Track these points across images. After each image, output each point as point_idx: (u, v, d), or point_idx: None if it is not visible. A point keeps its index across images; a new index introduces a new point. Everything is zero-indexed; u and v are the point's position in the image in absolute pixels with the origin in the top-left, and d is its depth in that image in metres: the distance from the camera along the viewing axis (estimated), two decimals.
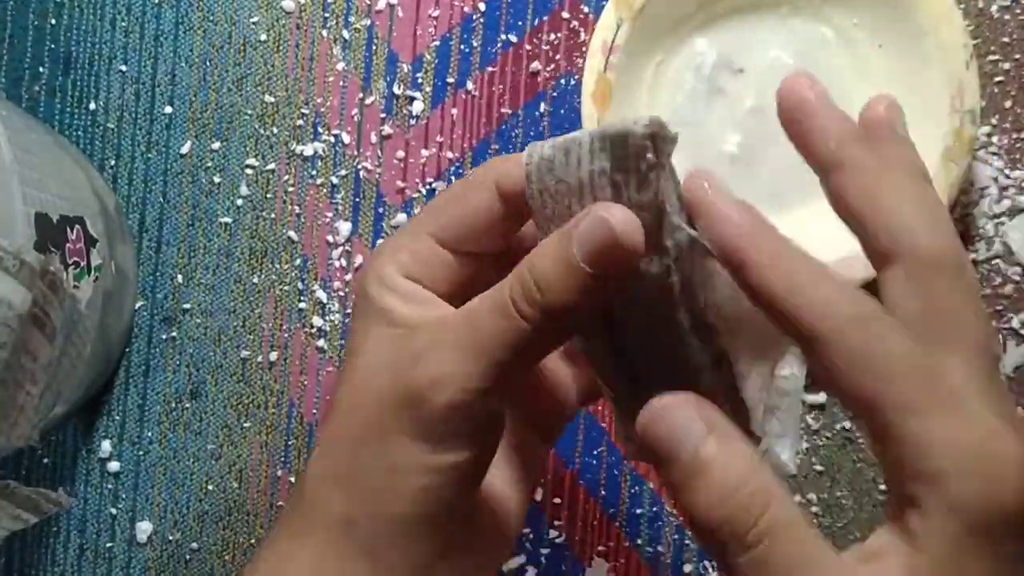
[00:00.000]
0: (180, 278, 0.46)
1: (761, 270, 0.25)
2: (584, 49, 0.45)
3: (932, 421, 0.23)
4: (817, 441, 0.44)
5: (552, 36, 0.45)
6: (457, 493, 0.28)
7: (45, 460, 0.46)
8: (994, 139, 0.44)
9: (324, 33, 0.46)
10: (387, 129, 0.46)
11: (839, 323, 0.24)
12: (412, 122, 0.46)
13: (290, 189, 0.46)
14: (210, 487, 0.46)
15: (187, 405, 0.46)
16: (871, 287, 0.26)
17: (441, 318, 0.28)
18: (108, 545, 0.46)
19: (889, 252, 0.25)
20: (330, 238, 0.46)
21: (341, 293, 0.45)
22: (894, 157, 0.26)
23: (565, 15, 0.45)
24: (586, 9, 0.45)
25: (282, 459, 0.45)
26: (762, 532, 0.23)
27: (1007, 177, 0.44)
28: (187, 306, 0.46)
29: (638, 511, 0.45)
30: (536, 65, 0.45)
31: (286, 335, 0.46)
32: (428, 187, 0.45)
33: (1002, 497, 0.22)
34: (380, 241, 0.29)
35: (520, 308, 0.26)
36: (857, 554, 0.25)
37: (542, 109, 0.45)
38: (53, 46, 0.46)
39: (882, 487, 0.44)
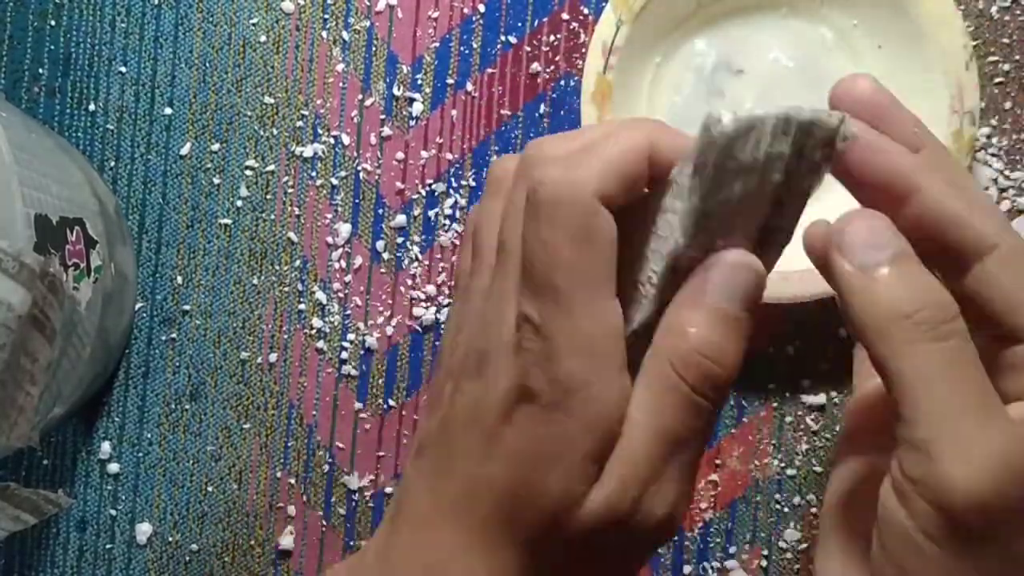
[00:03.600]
0: (180, 279, 0.46)
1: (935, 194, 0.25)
2: (584, 50, 0.45)
3: None
4: (817, 442, 0.44)
5: (552, 37, 0.45)
6: None
7: (45, 461, 0.46)
8: (994, 140, 0.44)
9: (324, 34, 0.46)
10: (387, 130, 0.46)
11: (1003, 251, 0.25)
12: (412, 123, 0.46)
13: (290, 190, 0.46)
14: (210, 488, 0.46)
15: (187, 406, 0.46)
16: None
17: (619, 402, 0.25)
18: (108, 546, 0.46)
19: (979, 248, 0.26)
20: (330, 239, 0.46)
21: (341, 294, 0.45)
22: (940, 155, 0.27)
23: (565, 16, 0.45)
24: (586, 10, 0.45)
25: (282, 460, 0.45)
26: (953, 330, 0.24)
27: (1007, 179, 0.44)
28: (187, 307, 0.46)
29: None
30: (536, 66, 0.45)
31: (286, 336, 0.45)
32: (428, 188, 0.45)
33: None
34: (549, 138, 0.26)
35: (706, 394, 0.24)
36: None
37: (542, 110, 0.45)
38: (53, 47, 0.46)
39: None
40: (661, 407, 0.24)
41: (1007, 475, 0.23)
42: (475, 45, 0.45)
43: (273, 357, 0.46)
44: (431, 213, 0.45)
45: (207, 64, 0.46)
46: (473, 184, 0.45)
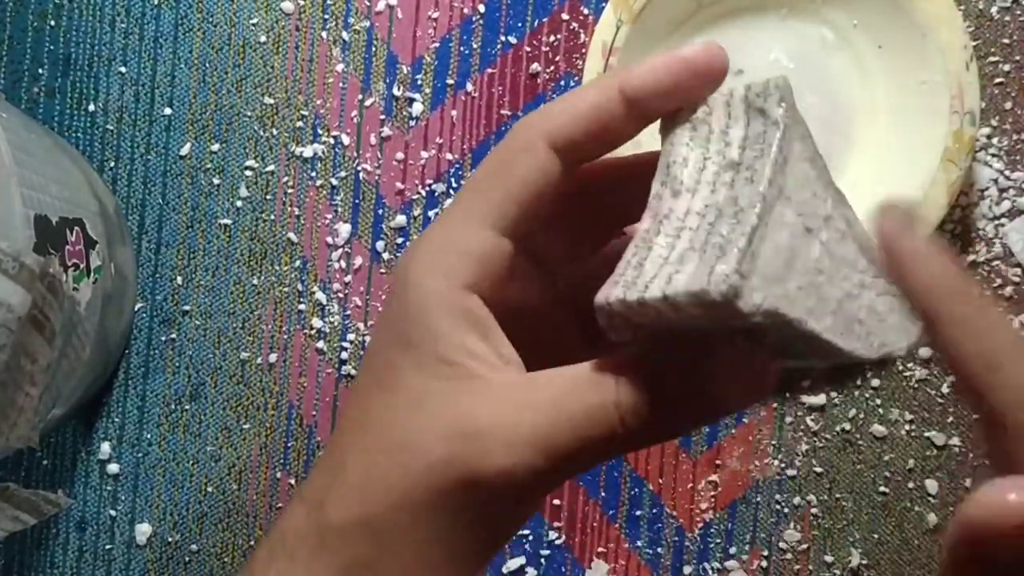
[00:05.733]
0: (179, 280, 0.46)
1: (956, 334, 0.22)
2: (584, 50, 0.45)
3: None
4: (817, 443, 0.44)
5: (552, 38, 0.45)
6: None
7: (44, 462, 0.46)
8: (994, 140, 0.44)
9: (323, 35, 0.46)
10: (386, 131, 0.46)
11: None
12: (411, 124, 0.46)
13: (290, 191, 0.46)
14: (209, 489, 0.46)
15: (186, 407, 0.46)
16: None
17: (511, 386, 0.23)
18: (107, 547, 0.46)
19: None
20: (330, 240, 0.46)
21: (341, 295, 0.45)
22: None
23: (565, 17, 0.45)
24: (586, 11, 0.45)
25: (281, 461, 0.45)
26: None
27: (1007, 179, 0.44)
28: (186, 308, 0.46)
29: (637, 513, 0.45)
30: (536, 66, 0.45)
31: (285, 337, 0.45)
32: (428, 188, 0.45)
33: None
34: (418, 236, 0.23)
35: (628, 421, 0.22)
36: None
37: None
38: (52, 47, 0.46)
39: (882, 488, 0.44)
40: (578, 395, 0.22)
41: None
42: (475, 45, 0.45)
43: (273, 357, 0.45)
44: (431, 213, 0.45)
45: (207, 64, 0.46)
46: None
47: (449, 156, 0.45)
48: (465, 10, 0.45)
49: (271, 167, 0.46)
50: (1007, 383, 0.21)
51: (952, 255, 0.22)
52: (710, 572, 0.45)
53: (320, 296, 0.45)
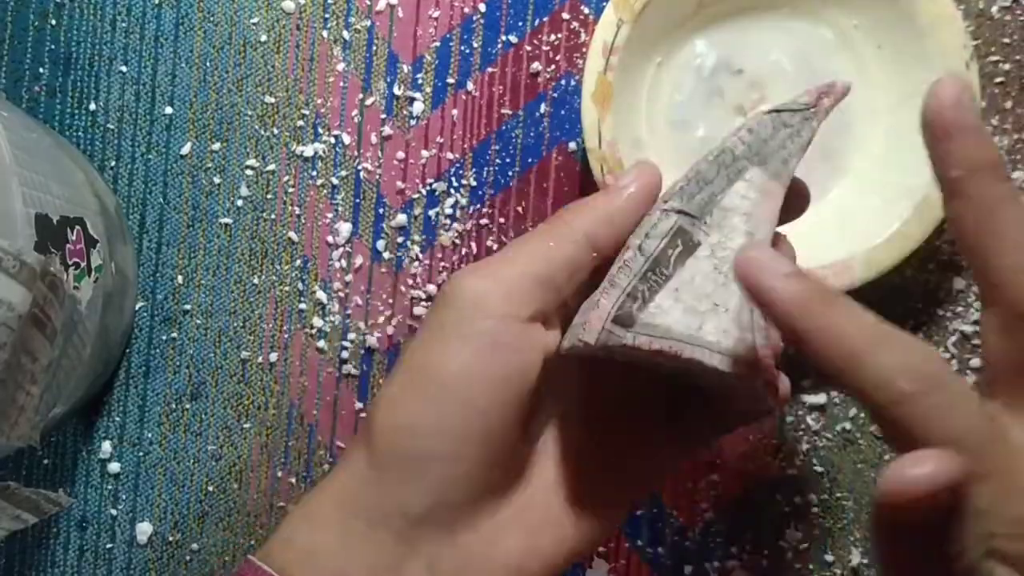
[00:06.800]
0: (180, 279, 0.46)
1: (814, 342, 0.24)
2: (584, 50, 0.45)
3: (991, 489, 0.23)
4: (817, 442, 0.44)
5: (552, 37, 0.45)
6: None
7: (45, 461, 0.46)
8: (994, 140, 0.44)
9: (324, 34, 0.46)
10: (387, 130, 0.46)
11: (896, 398, 0.23)
12: (412, 123, 0.46)
13: (290, 190, 0.46)
14: (210, 488, 0.46)
15: (187, 406, 0.46)
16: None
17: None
18: (108, 546, 0.46)
19: (991, 295, 0.25)
20: (330, 239, 0.46)
21: (341, 294, 0.45)
22: (1008, 194, 0.25)
23: (565, 16, 0.45)
24: (586, 10, 0.45)
25: (282, 460, 0.45)
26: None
27: None
28: (187, 307, 0.46)
29: (638, 512, 0.45)
30: (536, 66, 0.45)
31: (286, 336, 0.45)
32: (428, 188, 0.45)
33: None
34: (474, 266, 0.32)
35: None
36: None
37: (542, 110, 0.45)
38: (53, 47, 0.46)
39: None
40: None
41: None
42: (476, 45, 0.45)
43: (273, 357, 0.46)
44: (432, 213, 0.45)
45: (208, 63, 0.46)
46: (474, 183, 0.45)
47: (450, 155, 0.45)
48: (466, 9, 0.45)
49: (272, 166, 0.46)
50: (867, 372, 0.24)
51: (796, 270, 0.25)
52: (711, 571, 0.45)
53: (321, 295, 0.45)
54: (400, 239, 0.45)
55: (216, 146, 0.46)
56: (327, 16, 0.46)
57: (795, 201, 0.33)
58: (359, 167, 0.46)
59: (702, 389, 0.32)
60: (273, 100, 0.46)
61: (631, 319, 0.29)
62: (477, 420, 0.29)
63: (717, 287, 0.29)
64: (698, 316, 0.29)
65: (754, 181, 0.30)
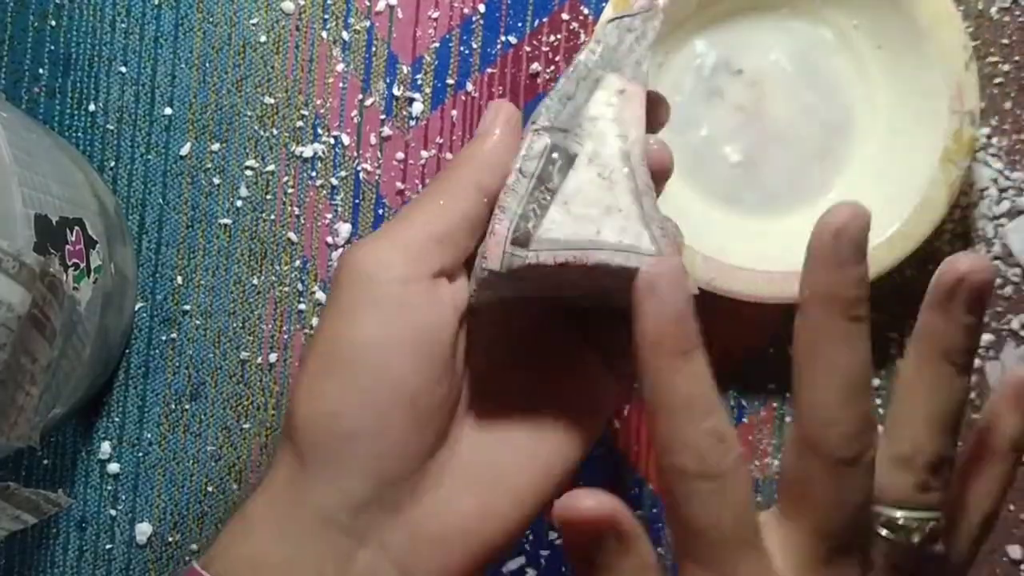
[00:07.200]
0: (180, 279, 0.46)
1: (648, 379, 0.26)
2: None
3: None
4: None
5: (552, 38, 0.45)
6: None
7: (45, 461, 0.46)
8: (994, 141, 0.44)
9: (324, 35, 0.46)
10: (387, 130, 0.46)
11: (676, 467, 0.25)
12: (412, 123, 0.46)
13: (290, 190, 0.46)
14: (210, 488, 0.46)
15: (187, 406, 0.46)
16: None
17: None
18: (107, 547, 0.46)
19: (795, 414, 0.26)
20: (330, 239, 0.46)
21: None
22: (842, 335, 0.26)
23: (565, 16, 0.45)
24: (586, 11, 0.45)
25: None
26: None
27: (1007, 179, 0.44)
28: (187, 307, 0.46)
29: (638, 513, 0.45)
30: (536, 66, 0.45)
31: (286, 336, 0.45)
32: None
33: None
34: (374, 233, 0.31)
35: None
36: None
37: None
38: (53, 47, 0.46)
39: None
40: None
41: None
42: (475, 45, 0.45)
43: (273, 357, 0.46)
44: None
45: (207, 64, 0.46)
46: None
47: (449, 156, 0.45)
48: (465, 10, 0.45)
49: (271, 167, 0.46)
50: (664, 433, 0.25)
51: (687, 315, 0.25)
52: None
53: (320, 296, 0.45)
54: None
55: (215, 147, 0.46)
56: (326, 17, 0.46)
57: (658, 109, 0.33)
58: (358, 168, 0.46)
59: (621, 312, 0.32)
60: (272, 101, 0.46)
61: (528, 238, 0.29)
62: (397, 388, 0.29)
63: (604, 192, 0.30)
64: (593, 222, 0.29)
65: (612, 86, 0.31)
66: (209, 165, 0.46)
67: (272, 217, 0.46)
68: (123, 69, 0.46)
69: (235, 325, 0.46)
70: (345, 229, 0.45)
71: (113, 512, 0.46)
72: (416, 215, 0.31)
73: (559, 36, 0.45)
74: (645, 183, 0.30)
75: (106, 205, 0.43)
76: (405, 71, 0.46)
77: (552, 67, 0.45)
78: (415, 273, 0.30)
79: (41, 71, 0.46)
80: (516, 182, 0.30)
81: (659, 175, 0.31)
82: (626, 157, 0.30)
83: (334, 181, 0.46)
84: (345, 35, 0.46)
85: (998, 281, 0.44)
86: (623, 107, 0.31)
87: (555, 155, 0.30)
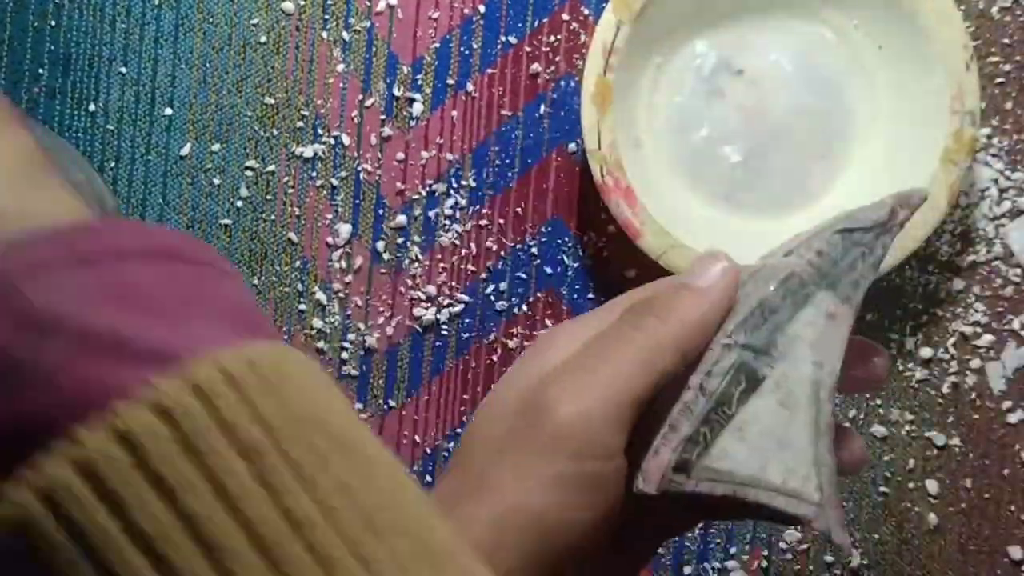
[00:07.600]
0: None
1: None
2: (584, 51, 0.45)
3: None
4: None
5: (552, 38, 0.45)
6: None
7: None
8: (994, 141, 0.44)
9: (324, 35, 0.46)
10: (387, 131, 0.46)
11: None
12: (412, 124, 0.46)
13: (290, 191, 0.46)
14: None
15: None
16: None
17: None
18: None
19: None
20: (330, 240, 0.46)
21: (341, 295, 0.45)
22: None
23: (565, 17, 0.45)
24: (586, 11, 0.45)
25: None
26: None
27: (1007, 179, 0.44)
28: None
29: None
30: (536, 67, 0.45)
31: (285, 337, 0.45)
32: (428, 188, 0.45)
33: None
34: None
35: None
36: None
37: (542, 111, 0.45)
38: (53, 47, 0.46)
39: (882, 488, 0.44)
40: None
41: None
42: (475, 45, 0.45)
43: None
44: (431, 213, 0.45)
45: (207, 65, 0.46)
46: (473, 184, 0.45)
47: (449, 156, 0.45)
48: (465, 10, 0.45)
49: (271, 167, 0.46)
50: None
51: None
52: (710, 572, 0.45)
53: (320, 296, 0.45)
54: (400, 240, 0.45)
55: (216, 147, 0.46)
56: (327, 17, 0.46)
57: (872, 358, 0.31)
58: (359, 168, 0.46)
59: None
60: (273, 101, 0.46)
61: (691, 466, 0.28)
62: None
63: (781, 424, 0.28)
64: (762, 455, 0.28)
65: (822, 306, 0.28)
66: (209, 166, 0.46)
67: (272, 217, 0.46)
68: (123, 69, 0.46)
69: None
70: (345, 229, 0.45)
71: None
72: (618, 372, 0.28)
73: (559, 36, 0.45)
74: (827, 423, 0.28)
75: (106, 205, 0.43)
76: (405, 71, 0.46)
77: (552, 67, 0.45)
78: (613, 445, 0.27)
79: (41, 71, 0.46)
80: (694, 401, 0.28)
81: (848, 466, 0.30)
82: (816, 389, 0.28)
83: (334, 181, 0.46)
84: (345, 35, 0.46)
85: (998, 281, 0.44)
86: (827, 332, 0.28)
87: (741, 377, 0.28)
